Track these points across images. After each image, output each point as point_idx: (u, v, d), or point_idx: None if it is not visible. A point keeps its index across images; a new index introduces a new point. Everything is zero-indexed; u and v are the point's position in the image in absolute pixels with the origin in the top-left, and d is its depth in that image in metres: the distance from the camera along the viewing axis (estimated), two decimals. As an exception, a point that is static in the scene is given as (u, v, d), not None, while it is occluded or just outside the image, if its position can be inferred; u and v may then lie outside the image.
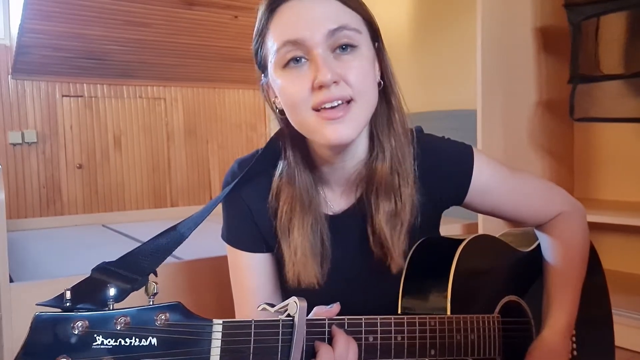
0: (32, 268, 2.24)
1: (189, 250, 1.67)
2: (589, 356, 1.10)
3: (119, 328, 0.59)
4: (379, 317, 0.78)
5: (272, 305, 0.72)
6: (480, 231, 2.26)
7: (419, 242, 0.96)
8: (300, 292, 0.77)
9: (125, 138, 3.76)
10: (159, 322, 0.61)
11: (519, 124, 2.44)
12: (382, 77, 0.91)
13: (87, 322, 0.58)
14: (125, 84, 3.74)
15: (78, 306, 0.59)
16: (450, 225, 2.41)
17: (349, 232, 0.97)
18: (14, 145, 3.40)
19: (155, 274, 0.72)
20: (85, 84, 3.61)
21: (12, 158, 3.40)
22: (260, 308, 0.72)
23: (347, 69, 0.82)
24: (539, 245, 1.10)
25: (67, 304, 0.58)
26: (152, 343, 0.60)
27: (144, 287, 0.66)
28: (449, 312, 0.86)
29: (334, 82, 0.81)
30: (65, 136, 3.56)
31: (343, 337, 0.74)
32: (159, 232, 0.79)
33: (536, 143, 2.52)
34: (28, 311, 0.57)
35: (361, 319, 0.77)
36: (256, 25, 0.88)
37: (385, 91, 0.92)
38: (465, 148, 0.99)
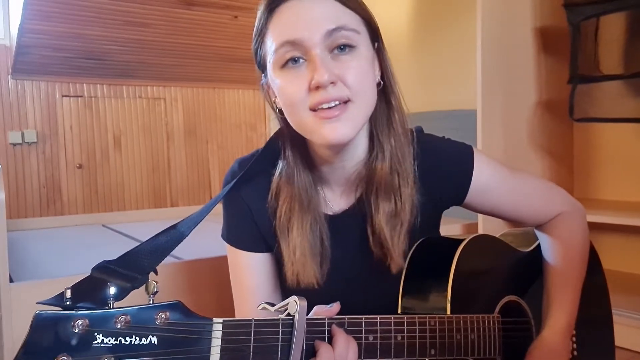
0: (32, 268, 2.24)
1: (188, 250, 1.67)
2: (589, 356, 1.10)
3: (119, 327, 0.59)
4: (378, 316, 0.78)
5: (272, 305, 0.72)
6: (480, 231, 2.26)
7: (419, 242, 0.96)
8: (299, 292, 0.77)
9: (125, 138, 3.77)
10: (159, 321, 0.61)
11: (519, 124, 2.44)
12: (382, 77, 0.91)
13: (87, 321, 0.58)
14: (125, 84, 3.74)
15: (78, 305, 0.59)
16: (450, 225, 2.41)
17: (349, 232, 0.97)
18: (14, 145, 3.40)
19: (156, 273, 0.72)
20: (85, 84, 3.61)
21: (12, 158, 3.40)
22: (260, 307, 0.72)
23: (344, 70, 0.82)
24: (539, 245, 1.10)
25: (68, 303, 0.59)
26: (152, 342, 0.60)
27: (144, 286, 0.66)
28: (449, 312, 0.86)
29: (331, 82, 0.81)
30: (65, 136, 3.56)
31: (343, 336, 0.74)
32: (159, 232, 0.79)
33: (536, 143, 2.52)
34: (28, 311, 0.57)
35: (361, 318, 0.77)
36: (255, 25, 0.88)
37: (385, 91, 0.92)
38: (465, 148, 0.99)
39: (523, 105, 2.46)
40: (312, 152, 0.94)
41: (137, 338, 0.60)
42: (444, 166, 0.97)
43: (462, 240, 0.94)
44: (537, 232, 1.10)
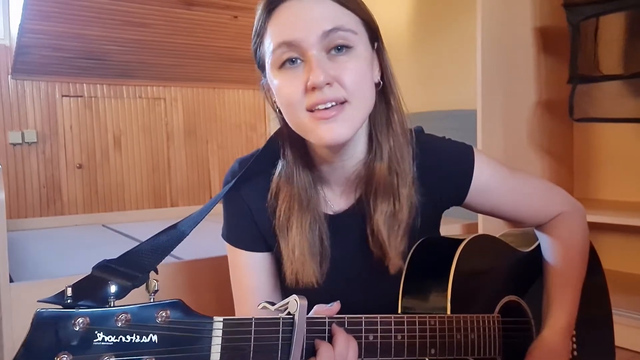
0: (32, 268, 2.24)
1: (188, 250, 1.67)
2: (589, 356, 1.10)
3: (119, 325, 0.59)
4: (379, 316, 0.78)
5: (273, 304, 0.72)
6: (480, 231, 2.26)
7: (419, 242, 0.96)
8: (299, 291, 0.77)
9: (125, 138, 3.77)
10: (159, 320, 0.61)
11: (519, 124, 2.44)
12: (381, 77, 0.91)
13: (87, 319, 0.58)
14: (125, 84, 3.74)
15: (79, 303, 0.59)
16: (450, 225, 2.41)
17: (349, 232, 0.97)
18: (14, 145, 3.40)
19: (156, 272, 0.72)
20: (85, 84, 3.61)
21: (12, 158, 3.40)
22: (260, 306, 0.72)
23: (341, 70, 0.82)
24: (539, 245, 1.10)
25: (68, 301, 0.59)
26: (153, 340, 0.60)
27: (144, 285, 0.66)
28: (449, 312, 0.86)
29: (327, 83, 0.80)
30: (65, 136, 3.56)
31: (343, 335, 0.74)
32: (159, 231, 0.79)
33: (536, 143, 2.52)
34: (28, 311, 0.57)
35: (361, 317, 0.77)
36: (254, 25, 0.88)
37: (385, 91, 0.92)
38: (465, 148, 0.99)
39: (523, 105, 2.46)
40: (311, 151, 0.94)
41: (138, 336, 0.60)
42: (444, 166, 0.97)
43: (462, 240, 0.94)
44: (537, 232, 1.10)
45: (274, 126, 0.99)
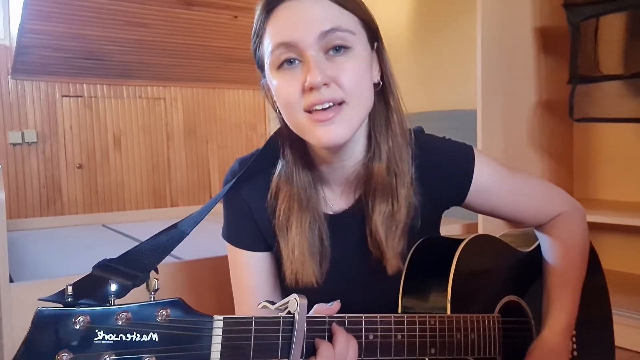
0: (32, 268, 2.24)
1: (189, 250, 1.67)
2: (589, 356, 1.10)
3: (120, 324, 0.59)
4: (379, 315, 0.78)
5: (273, 303, 0.72)
6: (480, 231, 2.26)
7: (419, 242, 0.96)
8: (298, 291, 0.77)
9: (125, 138, 3.77)
10: (160, 318, 0.61)
11: (519, 124, 2.44)
12: (381, 77, 0.91)
13: (88, 318, 0.58)
14: (124, 84, 3.74)
15: (79, 302, 0.59)
16: (450, 225, 2.41)
17: (349, 232, 0.97)
18: (14, 145, 3.40)
19: (156, 271, 0.72)
20: (84, 84, 3.61)
21: (12, 158, 3.40)
22: (260, 306, 0.72)
23: (339, 71, 0.82)
24: (538, 245, 1.10)
25: (69, 300, 0.59)
26: (153, 339, 0.61)
27: (144, 284, 0.66)
28: (449, 312, 0.86)
29: (325, 84, 0.80)
30: (65, 136, 3.56)
31: (343, 334, 0.74)
32: (160, 230, 0.79)
33: (536, 143, 2.52)
34: (28, 311, 0.57)
35: (361, 317, 0.77)
36: (254, 25, 0.88)
37: (384, 91, 0.92)
38: (465, 148, 0.99)
39: (523, 105, 2.46)
40: (311, 152, 0.94)
41: (138, 335, 0.60)
42: (444, 166, 0.97)
43: (462, 240, 0.94)
44: (537, 233, 1.10)
45: (274, 126, 0.99)
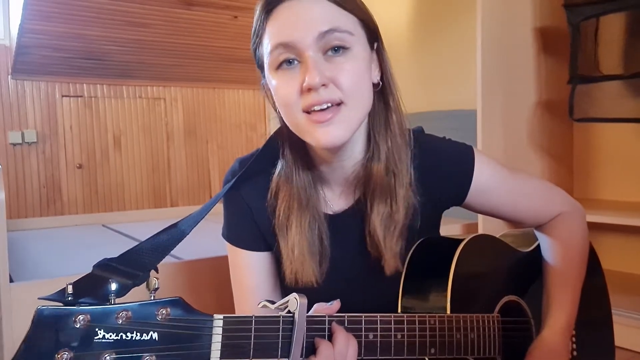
0: (32, 268, 2.24)
1: (189, 250, 1.67)
2: (588, 356, 1.10)
3: (120, 322, 0.59)
4: (378, 315, 0.78)
5: (273, 302, 0.72)
6: (480, 231, 2.26)
7: (418, 242, 0.96)
8: (298, 290, 0.78)
9: (125, 138, 3.77)
10: (160, 317, 0.61)
11: (519, 124, 2.44)
12: (381, 77, 0.91)
13: (88, 316, 0.58)
14: (124, 84, 3.74)
15: (80, 301, 0.59)
16: (450, 225, 2.41)
17: (349, 232, 0.97)
18: (14, 145, 3.40)
19: (157, 271, 0.72)
20: (85, 84, 3.61)
21: (12, 158, 3.40)
22: (260, 305, 0.72)
23: (337, 72, 0.82)
24: (538, 245, 1.10)
25: (69, 299, 0.59)
26: (153, 338, 0.61)
27: (145, 283, 0.67)
28: (448, 312, 0.86)
29: (323, 85, 0.80)
30: (65, 136, 3.56)
31: (343, 334, 0.74)
32: (159, 230, 0.79)
33: (536, 143, 2.52)
34: (28, 311, 0.57)
35: (361, 316, 0.77)
36: (253, 25, 0.88)
37: (384, 92, 0.92)
38: (465, 148, 0.99)
39: (523, 105, 2.46)
40: (311, 151, 0.94)
41: (138, 334, 0.60)
42: (444, 166, 0.97)
43: (462, 240, 0.94)
44: (537, 233, 1.10)
45: (274, 126, 0.99)
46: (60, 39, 3.13)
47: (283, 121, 0.91)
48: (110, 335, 0.59)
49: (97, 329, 0.58)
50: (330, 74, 0.81)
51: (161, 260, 0.75)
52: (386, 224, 0.92)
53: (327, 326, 0.74)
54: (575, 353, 1.08)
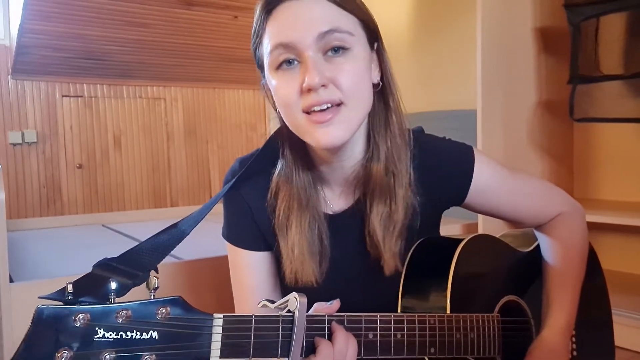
0: (32, 268, 2.24)
1: (189, 250, 1.67)
2: (589, 356, 1.10)
3: (120, 321, 0.59)
4: (378, 314, 0.78)
5: (272, 302, 0.72)
6: (480, 231, 2.26)
7: (418, 242, 0.96)
8: (298, 290, 0.78)
9: (125, 138, 3.77)
10: (160, 316, 0.61)
11: (519, 124, 2.44)
12: (381, 78, 0.91)
13: (88, 315, 0.58)
14: (125, 84, 3.74)
15: (80, 300, 0.59)
16: (450, 225, 2.42)
17: (349, 232, 0.97)
18: (14, 145, 3.40)
19: (156, 271, 0.72)
20: (85, 84, 3.61)
21: (12, 158, 3.40)
22: (260, 304, 0.72)
23: (337, 72, 0.82)
24: (538, 245, 1.10)
25: (69, 298, 0.59)
26: (153, 337, 0.61)
27: (144, 283, 0.67)
28: (448, 312, 0.86)
29: (323, 85, 0.80)
30: (65, 136, 3.56)
31: (343, 333, 0.74)
32: (159, 230, 0.79)
33: (536, 143, 2.52)
34: (28, 311, 0.57)
35: (361, 316, 0.77)
36: (254, 25, 0.88)
37: (384, 92, 0.92)
38: (465, 148, 0.99)
39: (523, 105, 2.46)
40: (311, 151, 0.94)
41: (138, 333, 0.60)
42: (444, 166, 0.97)
43: (462, 240, 0.94)
44: (537, 233, 1.10)
45: (274, 126, 0.99)
46: (60, 39, 3.13)
47: (283, 121, 0.91)
48: (110, 334, 0.59)
49: (97, 328, 0.58)
50: (330, 75, 0.81)
51: (161, 260, 0.75)
52: (385, 224, 0.92)
53: (326, 325, 0.74)
54: (575, 353, 1.08)
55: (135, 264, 0.70)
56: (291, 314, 0.70)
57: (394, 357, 0.79)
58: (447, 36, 3.05)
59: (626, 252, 2.46)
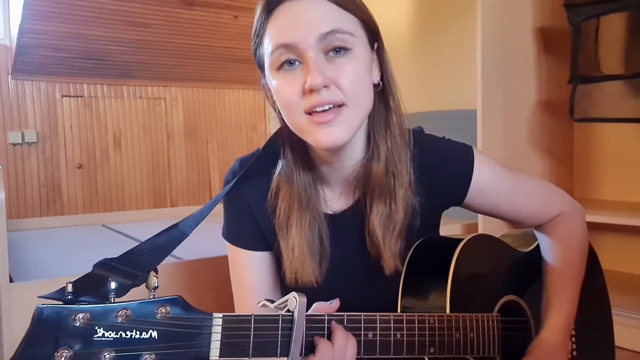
0: (32, 268, 2.24)
1: (189, 250, 1.67)
2: (588, 356, 1.10)
3: (119, 321, 0.59)
4: (378, 314, 0.78)
5: (272, 301, 0.72)
6: (480, 231, 2.26)
7: (418, 242, 0.96)
8: (298, 290, 0.78)
9: (125, 138, 3.77)
10: (159, 316, 0.61)
11: (519, 124, 2.44)
12: (381, 78, 0.92)
13: (88, 315, 0.58)
14: (125, 84, 3.74)
15: (79, 299, 0.59)
16: (450, 225, 2.42)
17: (348, 232, 0.97)
18: (14, 145, 3.40)
19: (156, 272, 0.72)
20: (85, 84, 3.61)
21: (12, 158, 3.40)
22: (260, 304, 0.73)
23: (339, 73, 0.82)
24: (538, 245, 1.10)
25: (69, 297, 0.59)
26: (153, 336, 0.61)
27: (144, 283, 0.67)
28: (448, 312, 0.86)
29: (325, 86, 0.80)
30: (65, 136, 3.56)
31: (342, 332, 0.74)
32: (160, 230, 0.79)
33: (536, 143, 2.52)
34: (28, 311, 0.57)
35: (360, 315, 0.77)
36: (254, 25, 0.88)
37: (384, 92, 0.92)
38: (465, 148, 0.99)
39: (523, 105, 2.46)
40: (311, 152, 0.94)
41: (138, 332, 0.60)
42: (444, 166, 0.97)
43: (461, 240, 0.94)
44: (537, 233, 1.10)
45: (274, 126, 0.99)
46: (60, 39, 3.13)
47: (283, 121, 0.91)
48: (110, 334, 0.59)
49: (96, 328, 0.58)
50: (331, 75, 0.81)
51: (161, 261, 0.75)
52: (385, 224, 0.92)
53: (326, 325, 0.74)
54: (575, 353, 1.08)
55: (135, 264, 0.70)
56: (290, 313, 0.70)
57: (393, 356, 0.79)
58: (447, 36, 3.05)
59: (626, 252, 2.46)
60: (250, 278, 1.02)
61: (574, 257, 1.05)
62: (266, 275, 1.03)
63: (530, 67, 2.47)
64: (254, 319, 0.67)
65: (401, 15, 3.32)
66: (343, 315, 0.76)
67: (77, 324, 0.57)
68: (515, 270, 1.07)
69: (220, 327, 0.65)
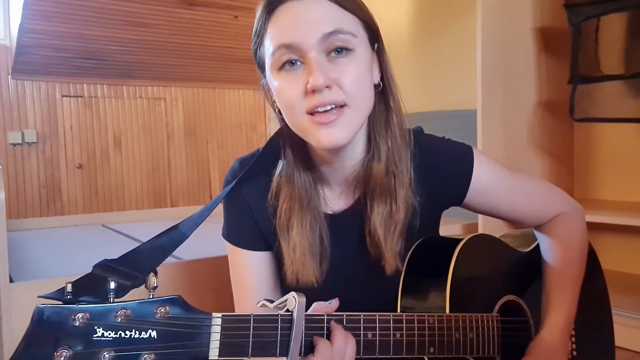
0: (32, 268, 2.24)
1: (189, 250, 1.67)
2: (588, 356, 1.10)
3: (119, 321, 0.59)
4: (377, 314, 0.78)
5: (272, 301, 0.72)
6: (480, 231, 2.26)
7: (418, 242, 0.96)
8: (298, 290, 0.78)
9: (125, 138, 3.77)
10: (159, 315, 0.61)
11: (519, 124, 2.44)
12: (381, 78, 0.92)
13: (87, 314, 0.58)
14: (125, 84, 3.74)
15: (79, 299, 0.59)
16: (450, 225, 2.42)
17: (348, 232, 0.97)
18: (14, 145, 3.40)
19: (156, 273, 0.72)
20: (85, 84, 3.61)
21: (12, 158, 3.40)
22: (259, 304, 0.73)
23: (341, 73, 0.82)
24: (538, 245, 1.10)
25: (68, 297, 0.59)
26: (152, 336, 0.61)
27: (144, 284, 0.67)
28: (447, 311, 0.86)
29: (327, 86, 0.80)
30: (65, 136, 3.56)
31: (341, 332, 0.74)
32: (159, 232, 0.79)
33: (536, 143, 2.52)
34: (28, 311, 0.57)
35: (360, 315, 0.77)
36: (255, 25, 0.88)
37: (384, 93, 0.92)
38: (465, 148, 0.99)
39: (523, 105, 2.46)
40: (311, 152, 0.94)
41: (137, 332, 0.60)
42: (443, 166, 0.97)
43: (461, 240, 0.94)
44: (536, 233, 1.10)
45: (274, 126, 0.99)
46: (60, 39, 3.13)
47: (284, 121, 0.91)
48: (109, 334, 0.59)
49: (96, 327, 0.58)
50: (333, 75, 0.81)
51: (161, 262, 0.75)
52: (386, 223, 0.92)
53: (325, 325, 0.74)
54: (575, 353, 1.08)
55: (135, 265, 0.70)
56: (290, 313, 0.70)
57: (393, 356, 0.79)
58: (447, 36, 3.05)
59: (626, 252, 2.46)
60: (250, 278, 1.02)
61: (573, 257, 1.05)
62: (266, 275, 1.03)
63: (530, 67, 2.47)
64: (253, 319, 0.67)
65: (401, 15, 3.32)
66: (342, 315, 0.76)
67: (77, 324, 0.57)
68: (515, 270, 1.07)
69: (220, 326, 0.65)
